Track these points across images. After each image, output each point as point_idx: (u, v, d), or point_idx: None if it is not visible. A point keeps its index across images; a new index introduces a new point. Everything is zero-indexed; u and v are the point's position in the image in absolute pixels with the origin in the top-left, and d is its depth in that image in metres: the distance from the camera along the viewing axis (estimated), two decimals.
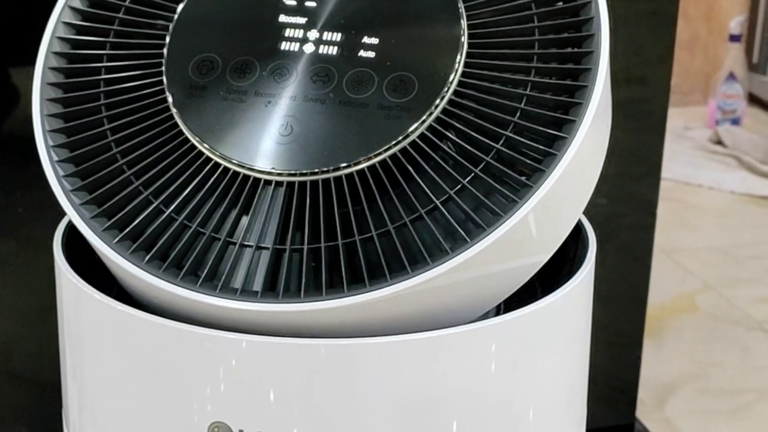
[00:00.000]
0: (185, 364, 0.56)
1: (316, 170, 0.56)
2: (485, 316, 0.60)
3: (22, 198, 0.98)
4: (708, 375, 1.52)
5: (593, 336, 0.93)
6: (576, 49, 0.59)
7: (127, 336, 0.58)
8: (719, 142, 2.49)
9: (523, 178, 0.56)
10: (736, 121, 2.61)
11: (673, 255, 1.92)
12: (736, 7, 2.83)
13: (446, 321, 0.57)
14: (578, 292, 0.63)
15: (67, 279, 0.61)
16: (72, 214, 0.59)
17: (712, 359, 1.56)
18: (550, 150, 0.56)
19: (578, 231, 0.69)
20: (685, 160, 2.39)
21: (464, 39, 0.58)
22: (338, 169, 0.56)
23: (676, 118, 2.72)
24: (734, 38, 2.66)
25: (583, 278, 0.63)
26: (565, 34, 0.60)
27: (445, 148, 0.57)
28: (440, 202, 0.56)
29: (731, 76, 2.63)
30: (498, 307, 0.64)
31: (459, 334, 0.56)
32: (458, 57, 0.58)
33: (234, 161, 0.57)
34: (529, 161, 0.56)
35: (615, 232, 1.14)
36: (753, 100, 2.78)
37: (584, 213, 0.66)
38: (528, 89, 0.58)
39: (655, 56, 1.10)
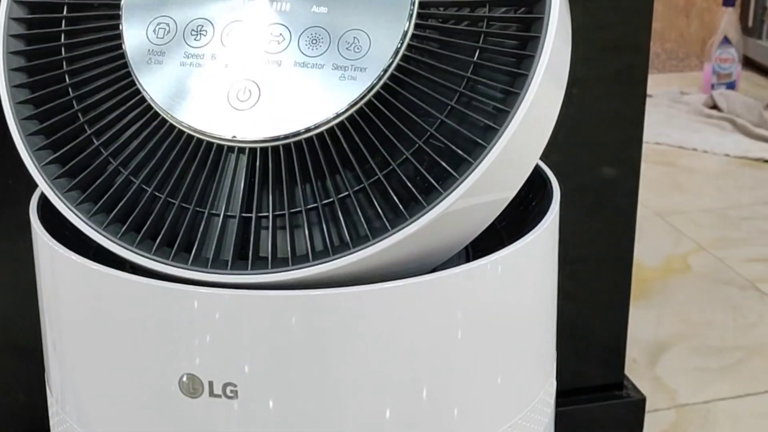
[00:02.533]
0: (156, 318, 0.58)
1: (277, 136, 0.58)
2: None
3: (15, 175, 1.00)
4: (699, 334, 1.54)
5: (583, 297, 0.95)
6: None
7: (99, 293, 0.60)
8: (714, 107, 2.50)
9: (488, 121, 0.57)
10: (731, 86, 2.62)
11: (667, 218, 1.94)
12: None
13: (410, 271, 0.59)
14: (544, 239, 0.65)
15: (41, 240, 0.63)
16: (45, 189, 0.61)
17: (704, 319, 1.58)
18: (512, 89, 0.57)
19: (544, 185, 0.71)
20: (680, 125, 2.40)
21: None
22: (298, 134, 0.58)
23: (672, 83, 2.73)
24: (728, 2, 2.66)
25: (548, 226, 0.65)
26: None
27: (402, 102, 0.58)
28: (410, 153, 0.57)
29: (726, 40, 2.63)
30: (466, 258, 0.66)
31: (431, 282, 0.58)
32: (410, 9, 0.58)
33: (197, 129, 0.59)
34: (491, 102, 0.57)
35: (604, 196, 1.16)
36: (748, 63, 2.78)
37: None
38: (481, 40, 0.58)
39: (637, 24, 1.12)
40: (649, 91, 1.16)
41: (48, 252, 0.63)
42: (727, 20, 2.65)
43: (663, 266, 1.75)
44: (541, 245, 0.65)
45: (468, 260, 0.66)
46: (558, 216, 0.67)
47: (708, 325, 1.56)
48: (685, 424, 1.32)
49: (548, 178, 0.71)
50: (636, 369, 1.43)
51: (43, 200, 0.67)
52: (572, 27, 0.64)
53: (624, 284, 1.21)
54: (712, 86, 2.61)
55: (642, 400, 1.22)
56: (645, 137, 1.17)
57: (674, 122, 2.41)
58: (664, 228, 1.90)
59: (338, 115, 0.57)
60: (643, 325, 1.54)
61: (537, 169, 0.72)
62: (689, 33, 3.11)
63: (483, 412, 0.64)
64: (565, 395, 1.08)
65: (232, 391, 0.58)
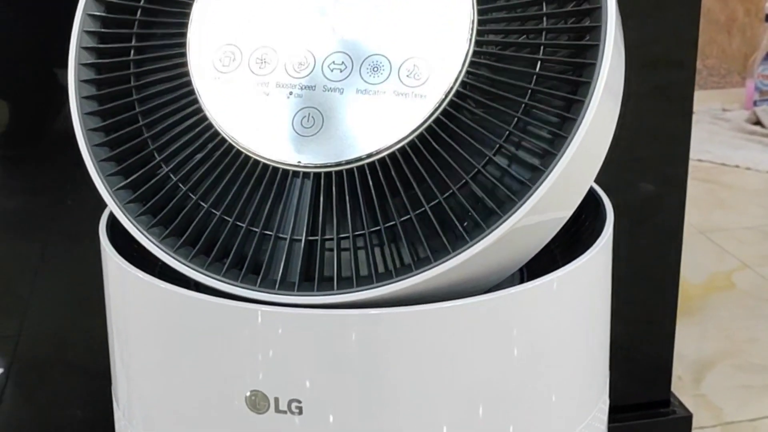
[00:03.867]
0: (225, 336, 0.61)
1: (340, 161, 0.60)
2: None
3: (72, 191, 1.03)
4: (744, 351, 1.54)
5: (629, 315, 0.96)
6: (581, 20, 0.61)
7: (168, 312, 0.63)
8: (758, 123, 2.49)
9: (544, 145, 0.59)
10: None
11: (710, 235, 1.94)
12: None
13: (468, 292, 0.61)
14: (598, 260, 0.66)
15: (111, 260, 0.66)
16: (118, 213, 0.64)
17: (748, 336, 1.58)
18: (568, 114, 0.59)
19: (597, 206, 0.73)
20: (722, 141, 2.40)
21: (474, 18, 0.60)
22: (360, 159, 0.60)
23: (713, 100, 2.72)
24: None
25: (602, 247, 0.66)
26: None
27: (461, 126, 0.60)
28: (469, 177, 0.59)
29: None
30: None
31: (489, 301, 0.60)
32: (469, 38, 0.60)
33: (264, 156, 0.61)
34: (549, 127, 0.59)
35: (649, 212, 1.17)
36: None
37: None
38: (538, 67, 0.60)
39: (682, 40, 1.13)
40: None
41: (117, 271, 0.66)
42: None
43: (706, 283, 1.76)
44: (596, 265, 0.67)
45: (522, 282, 0.68)
46: (612, 236, 0.69)
47: (752, 343, 1.56)
48: None
49: (600, 198, 0.73)
50: (681, 386, 1.43)
51: (111, 221, 0.69)
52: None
53: (670, 301, 1.22)
54: (755, 103, 2.61)
55: (689, 418, 1.23)
56: None
57: (716, 139, 2.41)
58: (707, 245, 1.90)
59: (399, 141, 0.60)
60: (687, 342, 1.54)
61: (590, 191, 0.74)
62: (731, 49, 3.10)
63: (538, 430, 0.65)
64: (611, 412, 1.09)
65: (296, 407, 0.60)
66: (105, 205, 0.67)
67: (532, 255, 0.66)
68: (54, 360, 1.10)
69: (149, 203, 0.64)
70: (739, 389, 1.44)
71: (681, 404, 1.24)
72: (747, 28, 3.03)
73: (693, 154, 2.29)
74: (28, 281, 1.06)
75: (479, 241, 0.58)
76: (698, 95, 2.77)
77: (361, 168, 0.60)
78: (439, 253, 0.59)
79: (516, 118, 0.60)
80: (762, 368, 1.49)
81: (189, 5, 0.65)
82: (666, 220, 1.18)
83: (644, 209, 1.17)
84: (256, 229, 0.62)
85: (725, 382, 1.45)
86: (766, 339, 1.57)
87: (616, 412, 1.19)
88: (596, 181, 0.75)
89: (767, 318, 1.64)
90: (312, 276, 0.61)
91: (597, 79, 0.59)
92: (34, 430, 1.11)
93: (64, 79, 1.01)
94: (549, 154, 0.59)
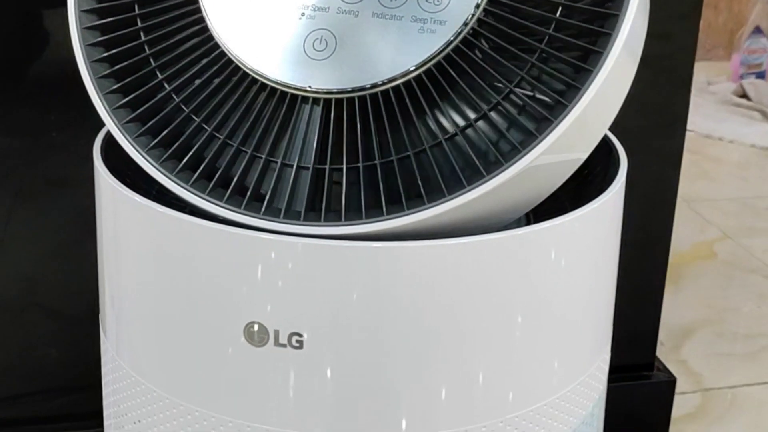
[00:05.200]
0: (222, 264, 0.58)
1: (353, 87, 0.58)
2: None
3: (47, 135, 1.00)
4: (724, 320, 1.54)
5: (619, 280, 0.94)
6: None
7: (164, 237, 0.60)
8: (743, 96, 2.49)
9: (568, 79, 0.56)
10: (761, 75, 2.61)
11: (693, 205, 1.94)
12: None
13: (478, 229, 0.59)
14: (610, 205, 0.64)
15: (105, 182, 0.63)
16: (115, 132, 0.61)
17: (728, 305, 1.58)
18: (594, 47, 0.56)
19: (610, 152, 0.71)
20: (707, 114, 2.39)
21: None
22: (374, 86, 0.58)
23: (698, 73, 2.70)
24: None
25: (615, 193, 0.64)
26: None
27: (481, 57, 0.57)
28: (488, 110, 0.57)
29: (757, 30, 2.62)
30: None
31: (498, 240, 0.58)
32: None
33: (271, 79, 0.59)
34: (572, 60, 0.57)
35: (640, 181, 1.16)
36: None
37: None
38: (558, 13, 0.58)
39: (682, 12, 1.11)
40: None
41: (111, 194, 0.63)
42: (760, 10, 2.64)
43: (689, 252, 1.75)
44: (606, 212, 0.65)
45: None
46: (624, 184, 0.67)
47: (732, 312, 1.56)
48: (711, 408, 1.32)
49: (615, 147, 0.71)
50: (662, 352, 1.42)
51: (107, 144, 0.66)
52: None
53: (660, 268, 1.21)
54: (741, 76, 2.60)
55: (672, 381, 1.22)
56: None
57: (701, 111, 2.41)
58: (690, 215, 1.90)
59: (416, 68, 0.57)
60: (669, 309, 1.53)
61: (604, 138, 0.72)
62: (717, 24, 3.09)
63: (541, 375, 0.64)
64: None
65: (297, 341, 0.58)
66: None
67: (544, 197, 0.64)
68: (27, 303, 1.07)
69: (149, 124, 0.61)
70: (719, 357, 1.44)
71: (665, 368, 1.24)
72: (734, 3, 3.02)
73: None
74: (2, 224, 1.03)
75: (495, 176, 0.56)
76: None
77: (374, 95, 0.58)
78: (454, 187, 0.56)
79: (539, 50, 0.57)
80: (741, 337, 1.49)
81: None
82: (659, 190, 1.17)
83: (637, 178, 1.16)
84: (261, 155, 0.59)
85: (705, 349, 1.45)
86: (746, 308, 1.57)
87: None
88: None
89: (747, 288, 1.64)
90: (318, 207, 0.58)
91: (626, 14, 0.56)
92: (9, 370, 1.09)
93: (47, 19, 0.98)
94: (572, 89, 0.56)
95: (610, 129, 0.67)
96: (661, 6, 1.07)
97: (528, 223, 0.70)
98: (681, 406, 1.32)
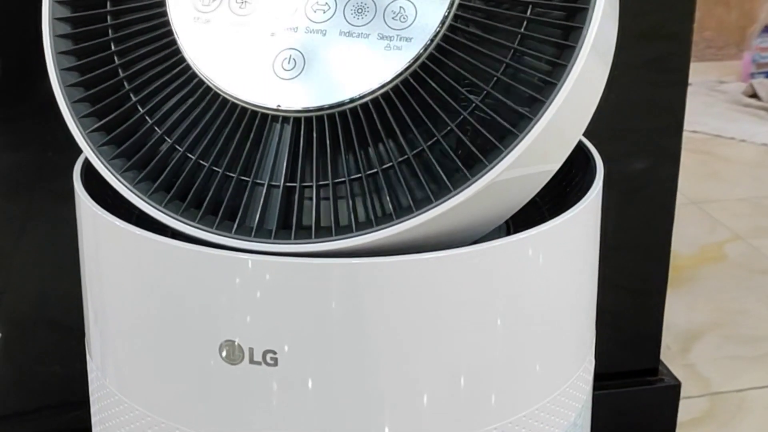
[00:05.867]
0: (195, 284, 0.59)
1: (321, 105, 0.58)
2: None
3: (57, 151, 1.01)
4: (733, 322, 1.52)
5: (620, 284, 0.95)
6: None
7: (141, 259, 0.61)
8: (754, 95, 2.47)
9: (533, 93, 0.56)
10: None
11: (703, 206, 1.93)
12: None
13: (451, 244, 0.59)
14: (587, 214, 0.64)
15: (85, 205, 0.64)
16: (90, 156, 0.62)
17: (738, 307, 1.57)
18: (559, 60, 0.57)
19: (587, 161, 0.71)
20: (718, 114, 2.38)
21: None
22: (342, 104, 0.58)
23: (710, 72, 2.70)
24: None
25: (591, 200, 0.65)
26: None
27: (447, 72, 0.57)
28: (455, 125, 0.57)
29: (767, 29, 2.61)
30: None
31: (471, 253, 0.58)
32: None
33: (242, 99, 0.59)
34: (538, 74, 0.57)
35: (641, 183, 1.16)
36: None
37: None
38: (528, 11, 0.58)
39: (679, 12, 1.11)
40: None
41: (92, 217, 0.64)
42: None
43: (698, 254, 1.74)
44: (584, 220, 0.65)
45: (509, 235, 0.66)
46: (601, 192, 0.67)
47: (742, 314, 1.55)
48: (719, 412, 1.32)
49: (591, 154, 0.71)
50: (669, 356, 1.42)
51: (87, 169, 0.67)
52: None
53: (661, 271, 1.20)
54: (752, 75, 2.59)
55: (677, 386, 1.22)
56: None
57: (712, 111, 2.40)
58: (699, 216, 1.89)
59: (383, 86, 0.57)
60: (677, 312, 1.53)
61: (580, 146, 0.72)
62: (729, 21, 3.07)
63: (520, 386, 0.64)
64: (599, 379, 1.07)
65: (272, 359, 0.58)
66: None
67: (517, 208, 0.64)
68: (36, 318, 1.08)
69: (124, 146, 0.62)
70: (727, 360, 1.43)
71: (670, 373, 1.23)
72: (746, 1, 3.00)
73: (688, 125, 2.28)
74: (13, 239, 1.05)
75: (462, 191, 0.56)
76: (695, 67, 2.74)
77: (342, 113, 0.58)
78: (422, 202, 0.57)
79: (504, 64, 0.58)
80: (751, 339, 1.48)
81: None
82: (659, 190, 1.16)
83: (638, 180, 1.15)
84: (233, 175, 0.60)
85: (713, 353, 1.44)
86: (756, 310, 1.56)
87: (604, 380, 1.18)
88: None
89: (757, 289, 1.63)
90: (290, 224, 0.59)
91: (589, 26, 0.56)
92: (15, 386, 1.10)
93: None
94: (537, 102, 0.57)
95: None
96: (656, 7, 1.07)
97: (507, 230, 0.70)
98: (688, 410, 1.31)
